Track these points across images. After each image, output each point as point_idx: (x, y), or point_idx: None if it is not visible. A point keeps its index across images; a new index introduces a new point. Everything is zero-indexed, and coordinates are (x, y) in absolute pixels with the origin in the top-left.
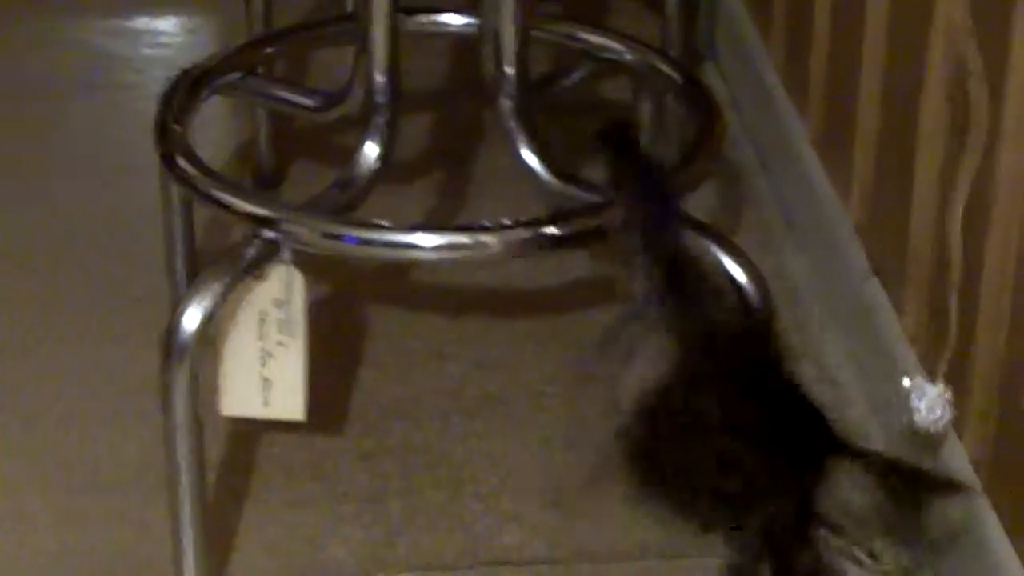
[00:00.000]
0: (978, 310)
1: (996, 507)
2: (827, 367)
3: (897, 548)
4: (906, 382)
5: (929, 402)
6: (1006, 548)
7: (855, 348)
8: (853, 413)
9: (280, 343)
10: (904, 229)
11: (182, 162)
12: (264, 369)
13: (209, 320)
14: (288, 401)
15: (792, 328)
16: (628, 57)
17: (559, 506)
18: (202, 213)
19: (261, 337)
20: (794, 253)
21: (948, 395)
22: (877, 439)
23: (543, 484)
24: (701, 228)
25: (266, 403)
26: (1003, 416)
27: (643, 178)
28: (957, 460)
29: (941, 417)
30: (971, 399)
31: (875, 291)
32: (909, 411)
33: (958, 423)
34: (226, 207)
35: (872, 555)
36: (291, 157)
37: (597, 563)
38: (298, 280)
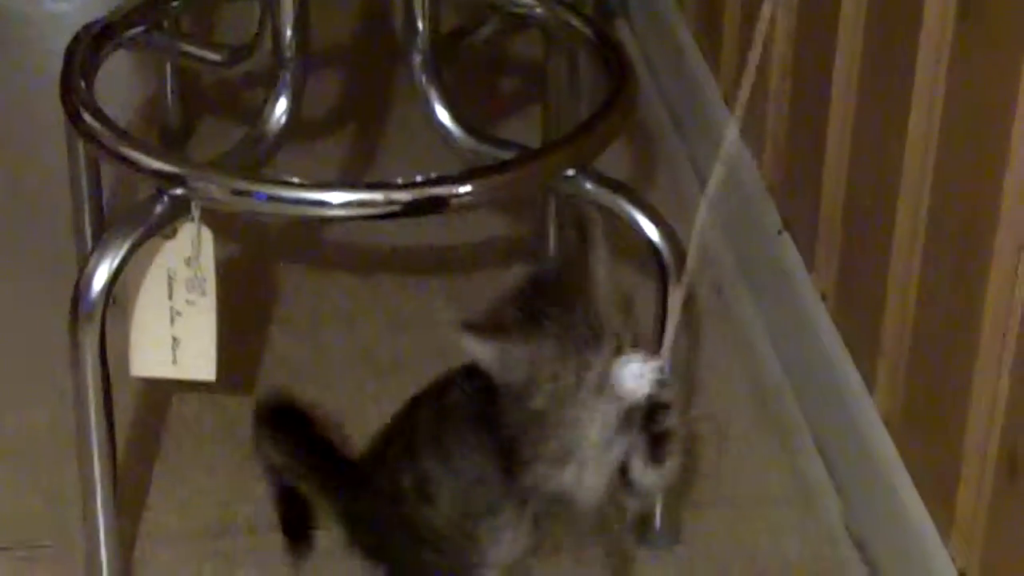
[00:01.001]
0: (888, 268)
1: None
2: (740, 326)
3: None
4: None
5: (632, 374)
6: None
7: (768, 307)
8: (768, 374)
9: (189, 302)
10: (816, 188)
11: (88, 118)
12: (173, 328)
13: (117, 279)
14: (198, 361)
15: (706, 288)
16: (539, 12)
17: None
18: (109, 171)
19: (170, 296)
20: (706, 212)
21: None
22: (790, 395)
23: None
24: (615, 186)
25: (176, 363)
26: (911, 373)
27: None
28: (869, 417)
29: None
30: (882, 356)
31: (787, 248)
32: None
33: (869, 378)
34: (133, 164)
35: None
36: (198, 113)
37: None
38: (207, 238)
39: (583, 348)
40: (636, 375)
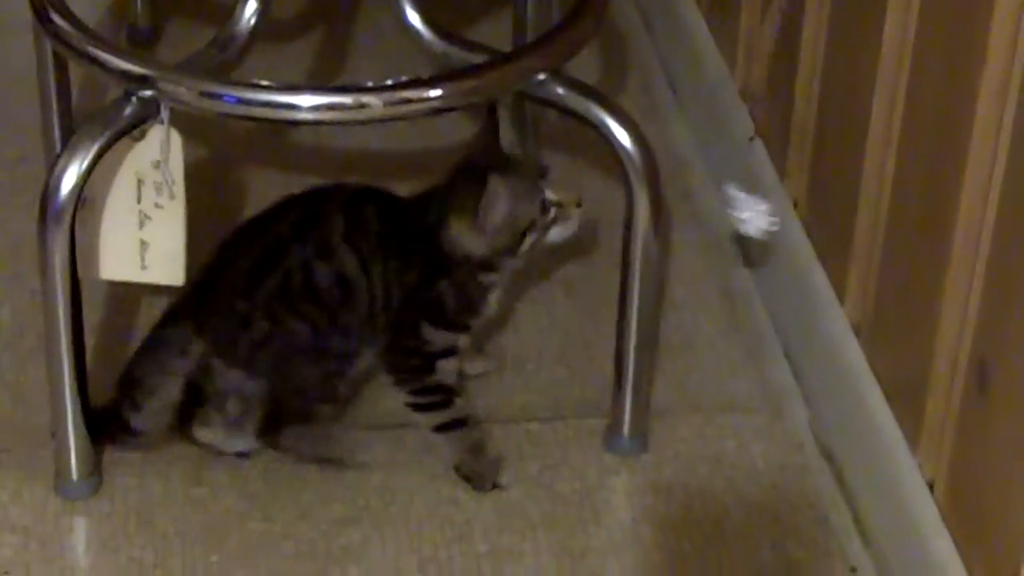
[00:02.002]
0: (860, 176)
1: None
2: (710, 233)
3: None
4: (730, 191)
5: (751, 213)
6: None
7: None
8: (737, 281)
9: (158, 205)
10: (789, 95)
11: (56, 18)
12: (142, 232)
13: (86, 179)
14: (167, 264)
15: (676, 193)
16: None
17: None
18: (78, 73)
19: (139, 199)
20: (678, 117)
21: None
22: (759, 303)
23: None
24: (586, 91)
25: (144, 266)
26: (881, 281)
27: None
28: (838, 325)
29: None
30: (852, 264)
31: (759, 155)
32: (734, 219)
33: (839, 286)
34: (101, 65)
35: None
36: (167, 14)
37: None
38: (176, 141)
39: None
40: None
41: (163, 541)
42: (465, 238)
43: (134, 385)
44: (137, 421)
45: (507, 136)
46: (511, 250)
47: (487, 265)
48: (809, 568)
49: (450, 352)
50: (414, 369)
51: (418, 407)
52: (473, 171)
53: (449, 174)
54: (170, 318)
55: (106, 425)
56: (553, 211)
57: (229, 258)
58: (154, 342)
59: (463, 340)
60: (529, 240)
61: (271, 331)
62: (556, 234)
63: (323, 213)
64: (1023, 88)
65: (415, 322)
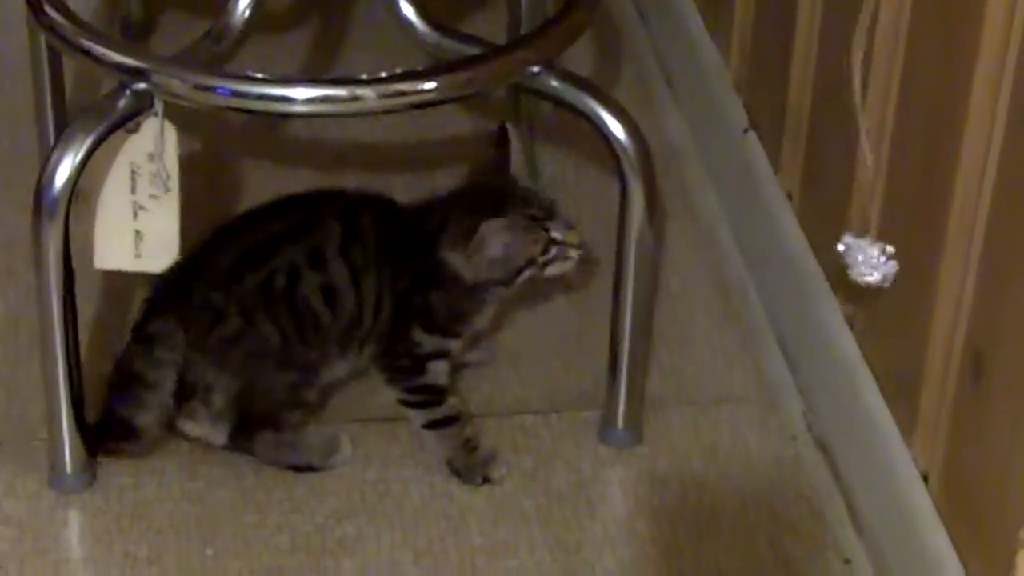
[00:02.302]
0: (854, 168)
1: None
2: (705, 225)
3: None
4: (843, 243)
5: (866, 259)
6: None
7: (733, 206)
8: (732, 273)
9: (153, 196)
10: (783, 87)
11: (50, 11)
12: (137, 223)
13: (80, 172)
14: (161, 255)
15: (671, 185)
16: None
17: None
18: (72, 66)
19: (133, 190)
20: (673, 108)
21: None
22: (753, 295)
23: None
24: (580, 83)
25: (139, 256)
26: None
27: None
28: (832, 316)
29: (881, 273)
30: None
31: (753, 148)
32: (850, 266)
33: (833, 277)
34: (95, 58)
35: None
36: (161, 7)
37: (473, 418)
38: (170, 133)
39: (544, 224)
40: (873, 263)
41: (157, 535)
42: (457, 264)
43: (134, 380)
44: (139, 419)
45: (519, 161)
46: (504, 283)
47: (480, 288)
48: (803, 560)
49: (441, 355)
50: (405, 369)
51: (409, 404)
52: (475, 198)
53: (453, 192)
54: (155, 307)
55: (104, 435)
56: (554, 251)
57: (217, 248)
58: (145, 336)
59: (454, 345)
60: (525, 275)
61: (242, 330)
62: (553, 270)
63: (321, 219)
64: (1017, 78)
65: (406, 325)
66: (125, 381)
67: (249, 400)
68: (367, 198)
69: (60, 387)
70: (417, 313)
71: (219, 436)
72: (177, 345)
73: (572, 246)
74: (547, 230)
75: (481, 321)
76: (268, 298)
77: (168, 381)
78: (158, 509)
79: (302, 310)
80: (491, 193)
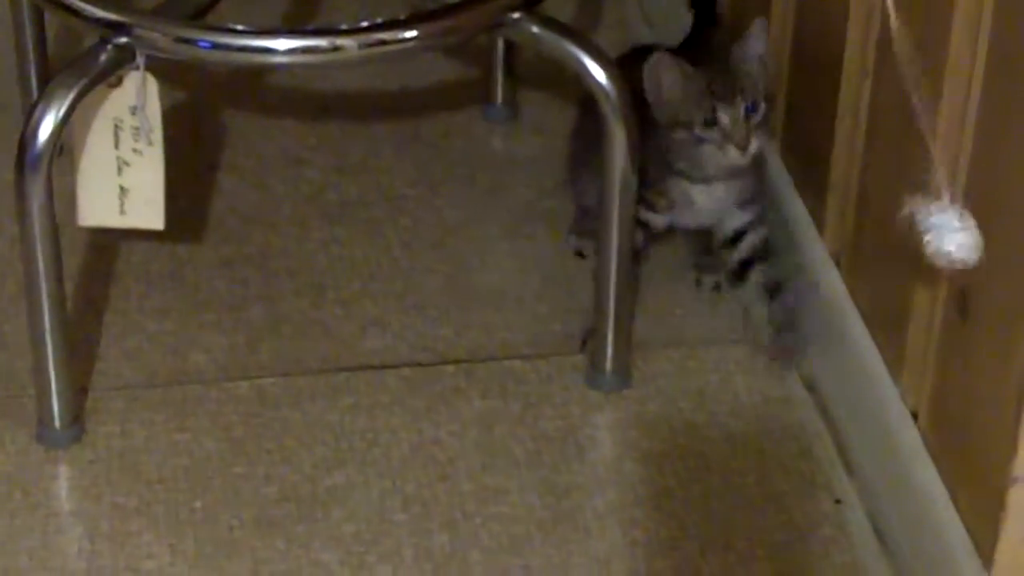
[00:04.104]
0: (836, 103)
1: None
2: None
3: None
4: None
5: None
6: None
7: None
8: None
9: (136, 151)
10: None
11: None
12: (121, 178)
13: (63, 127)
14: (146, 210)
15: None
16: None
17: (421, 309)
18: (54, 21)
19: (117, 145)
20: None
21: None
22: None
23: (405, 288)
24: (561, 29)
25: (124, 212)
26: (860, 210)
27: None
28: (817, 254)
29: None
30: (830, 192)
31: None
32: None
33: (817, 215)
34: (76, 12)
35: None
36: None
37: (460, 364)
38: (152, 86)
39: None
40: (968, 247)
41: (146, 487)
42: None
43: None
44: None
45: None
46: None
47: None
48: (794, 500)
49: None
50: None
51: None
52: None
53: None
54: None
55: None
56: (714, 132)
57: None
58: None
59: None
60: (681, 134)
61: None
62: (709, 153)
63: None
64: (996, 14)
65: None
66: None
67: None
68: None
69: (47, 341)
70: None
71: None
72: None
73: (731, 141)
74: (714, 104)
75: (680, 198)
76: None
77: None
78: (146, 461)
79: None
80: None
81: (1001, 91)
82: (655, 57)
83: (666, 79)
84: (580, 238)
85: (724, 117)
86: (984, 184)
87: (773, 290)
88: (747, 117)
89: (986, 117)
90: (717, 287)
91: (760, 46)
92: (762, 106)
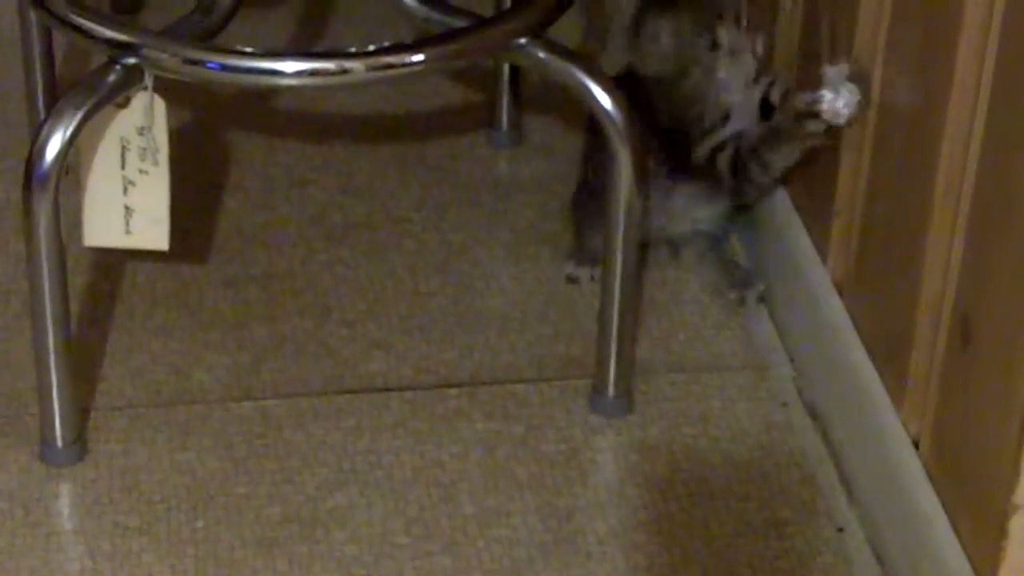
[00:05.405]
0: (841, 131)
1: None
2: None
3: None
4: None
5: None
6: None
7: None
8: None
9: (142, 171)
10: (768, 53)
11: None
12: (127, 198)
13: (70, 146)
14: (151, 229)
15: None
16: None
17: (425, 331)
18: (62, 40)
19: (123, 165)
20: None
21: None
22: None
23: (408, 310)
24: (567, 55)
25: (129, 232)
26: (863, 237)
27: None
28: (821, 281)
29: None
30: (834, 220)
31: None
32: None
33: (821, 242)
34: (85, 33)
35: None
36: None
37: (463, 387)
38: (160, 107)
39: (713, 23)
40: (846, 101)
41: (148, 506)
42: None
43: None
44: None
45: None
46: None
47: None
48: (795, 526)
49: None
50: None
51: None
52: None
53: None
54: None
55: None
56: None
57: None
58: None
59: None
60: (696, 73)
61: None
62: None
63: None
64: (1002, 43)
65: None
66: None
67: None
68: None
69: (50, 359)
70: None
71: None
72: None
73: (740, 48)
74: (709, 27)
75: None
76: None
77: None
78: (148, 481)
79: None
80: None
81: (1005, 117)
82: (651, 23)
83: (664, 31)
84: (580, 265)
85: (723, 34)
86: (986, 210)
87: (739, 169)
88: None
89: (989, 142)
90: (742, 302)
91: None
92: (744, 20)
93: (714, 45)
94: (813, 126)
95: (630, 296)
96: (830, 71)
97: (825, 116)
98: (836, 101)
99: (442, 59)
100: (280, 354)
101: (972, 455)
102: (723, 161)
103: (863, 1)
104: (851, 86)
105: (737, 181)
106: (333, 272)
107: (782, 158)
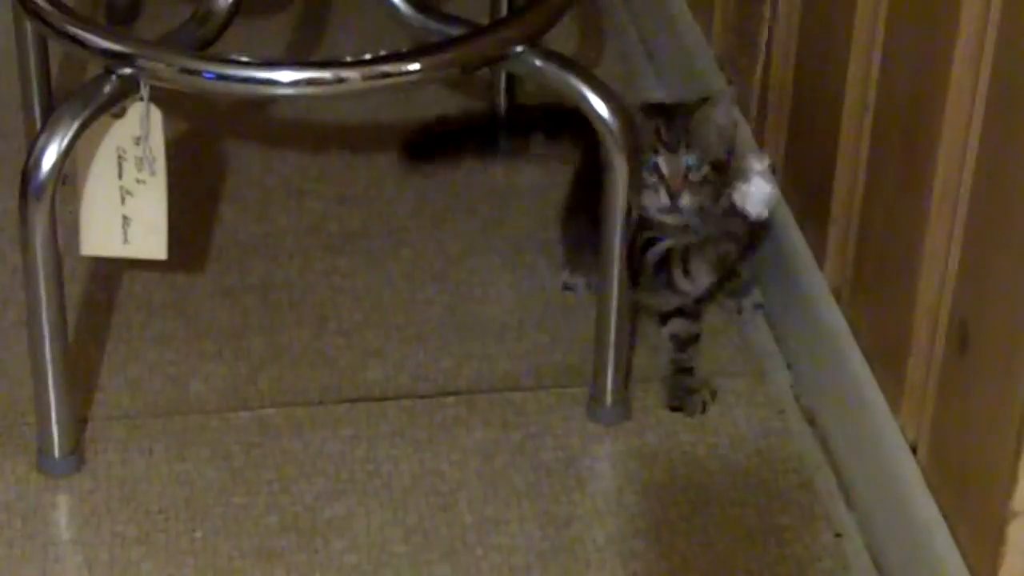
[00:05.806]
0: (837, 137)
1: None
2: None
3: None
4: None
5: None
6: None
7: None
8: None
9: (139, 181)
10: (766, 57)
11: None
12: (124, 207)
13: (67, 156)
14: (148, 239)
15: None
16: None
17: (422, 340)
18: (58, 51)
19: (120, 175)
20: (656, 85)
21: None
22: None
23: (406, 319)
24: (564, 62)
25: (126, 241)
26: (860, 243)
27: None
28: (818, 288)
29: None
30: (831, 226)
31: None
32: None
33: (818, 248)
34: (81, 43)
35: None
36: None
37: (461, 395)
38: (156, 117)
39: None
40: (766, 200)
41: (146, 516)
42: None
43: None
44: None
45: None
46: None
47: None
48: (794, 532)
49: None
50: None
51: None
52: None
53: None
54: None
55: None
56: (655, 181)
57: None
58: None
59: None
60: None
61: None
62: (647, 199)
63: None
64: (998, 48)
65: None
66: None
67: None
68: None
69: (48, 369)
70: None
71: None
72: None
73: (666, 187)
74: (657, 149)
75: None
76: None
77: None
78: (146, 491)
79: None
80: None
81: (1001, 122)
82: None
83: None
84: (574, 274)
85: (663, 164)
86: (983, 216)
87: (685, 342)
88: (687, 170)
89: (985, 147)
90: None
91: (722, 116)
92: (705, 167)
93: (652, 167)
94: (735, 225)
95: (626, 304)
96: (752, 161)
97: (738, 206)
98: (750, 192)
99: (439, 68)
100: (278, 363)
101: (970, 461)
102: (650, 259)
103: (860, 4)
104: (768, 176)
105: (662, 281)
106: (330, 281)
107: (706, 266)
